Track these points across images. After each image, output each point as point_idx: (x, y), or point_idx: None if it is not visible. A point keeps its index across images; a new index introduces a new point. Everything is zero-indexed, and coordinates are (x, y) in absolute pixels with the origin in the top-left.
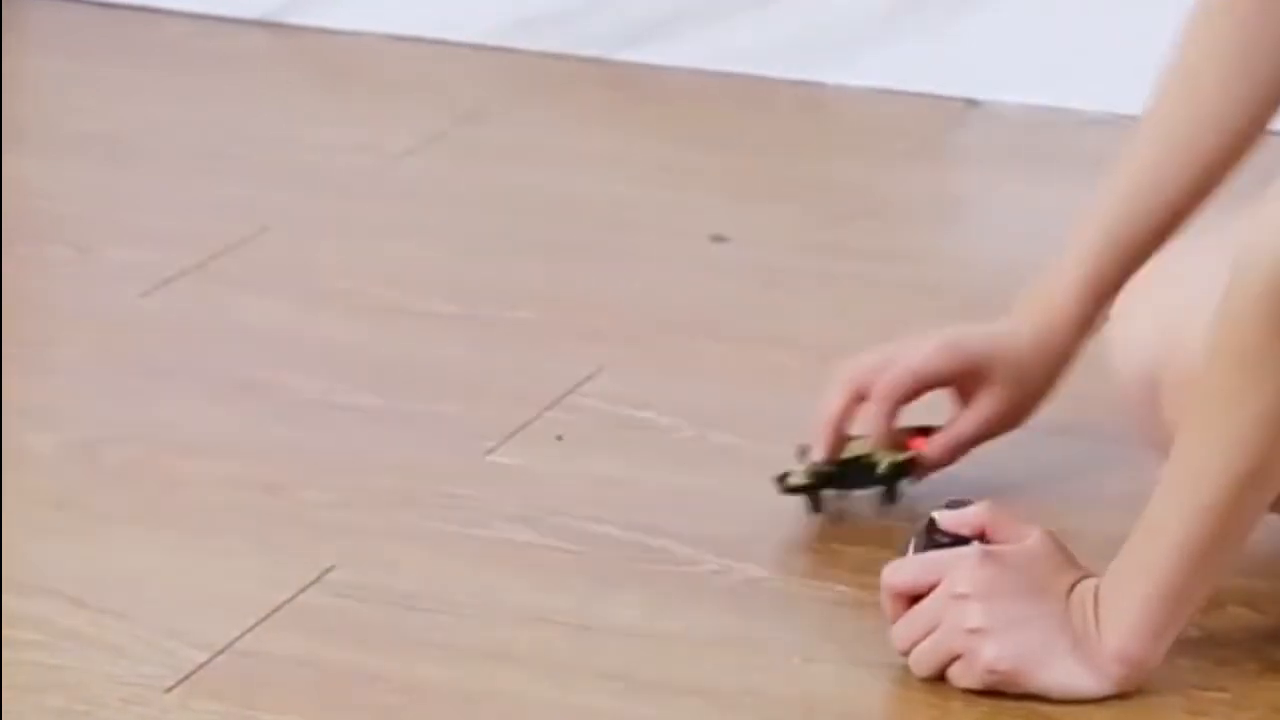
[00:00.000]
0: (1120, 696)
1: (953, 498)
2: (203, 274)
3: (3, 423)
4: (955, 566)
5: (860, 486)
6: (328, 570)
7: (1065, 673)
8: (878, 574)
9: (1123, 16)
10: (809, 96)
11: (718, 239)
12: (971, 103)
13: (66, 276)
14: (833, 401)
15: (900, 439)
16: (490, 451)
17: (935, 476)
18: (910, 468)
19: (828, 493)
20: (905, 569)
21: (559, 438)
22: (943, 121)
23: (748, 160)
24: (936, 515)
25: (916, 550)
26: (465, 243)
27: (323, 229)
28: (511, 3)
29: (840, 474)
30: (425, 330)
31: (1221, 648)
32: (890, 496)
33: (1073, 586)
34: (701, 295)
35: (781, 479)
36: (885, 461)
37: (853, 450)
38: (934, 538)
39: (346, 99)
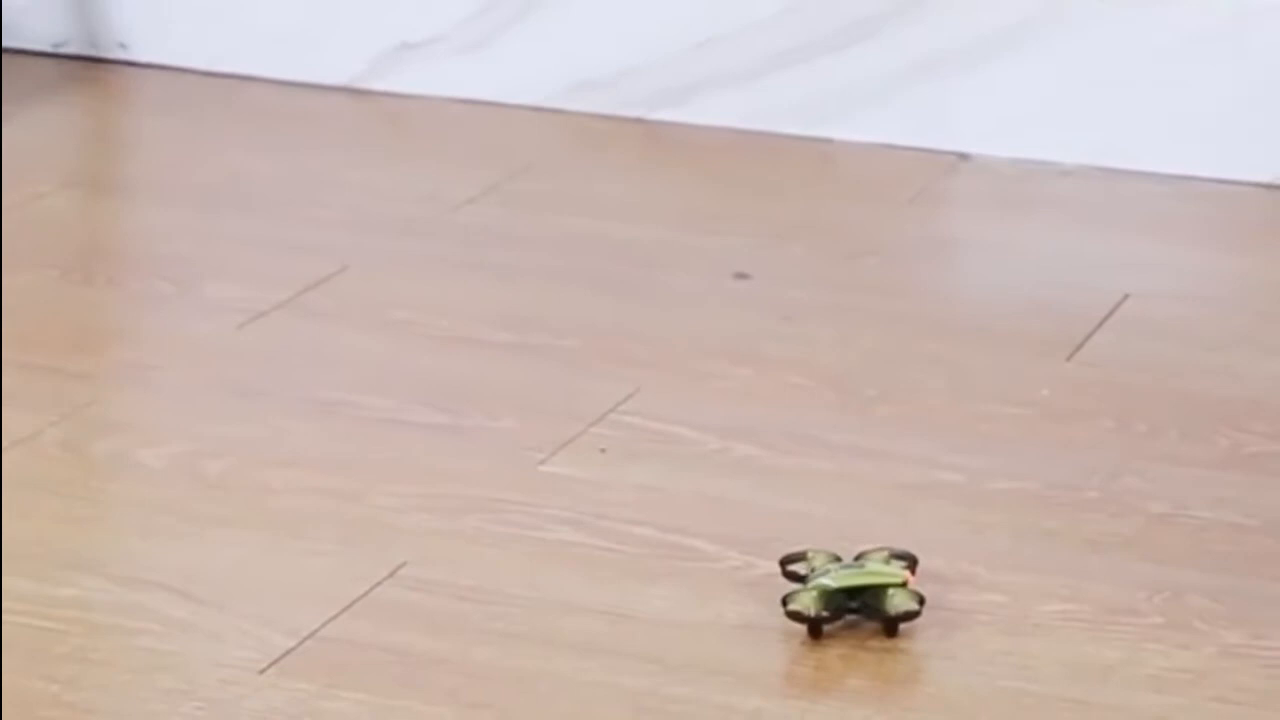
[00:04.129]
0: (1090, 678)
1: None
2: (291, 308)
3: (118, 440)
4: None
5: (861, 615)
6: (400, 567)
7: None
8: None
9: (1096, 80)
10: (820, 151)
11: (740, 276)
12: (963, 156)
13: (173, 310)
14: None
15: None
16: (542, 462)
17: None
18: (915, 614)
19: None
20: None
21: (602, 450)
22: (937, 173)
23: (767, 207)
24: None
25: None
26: (519, 279)
27: (395, 268)
28: (561, 70)
29: (849, 606)
30: (485, 356)
31: (1184, 633)
32: (891, 631)
33: None
34: (726, 325)
35: (784, 601)
36: (898, 605)
37: (856, 578)
38: None
39: (415, 154)
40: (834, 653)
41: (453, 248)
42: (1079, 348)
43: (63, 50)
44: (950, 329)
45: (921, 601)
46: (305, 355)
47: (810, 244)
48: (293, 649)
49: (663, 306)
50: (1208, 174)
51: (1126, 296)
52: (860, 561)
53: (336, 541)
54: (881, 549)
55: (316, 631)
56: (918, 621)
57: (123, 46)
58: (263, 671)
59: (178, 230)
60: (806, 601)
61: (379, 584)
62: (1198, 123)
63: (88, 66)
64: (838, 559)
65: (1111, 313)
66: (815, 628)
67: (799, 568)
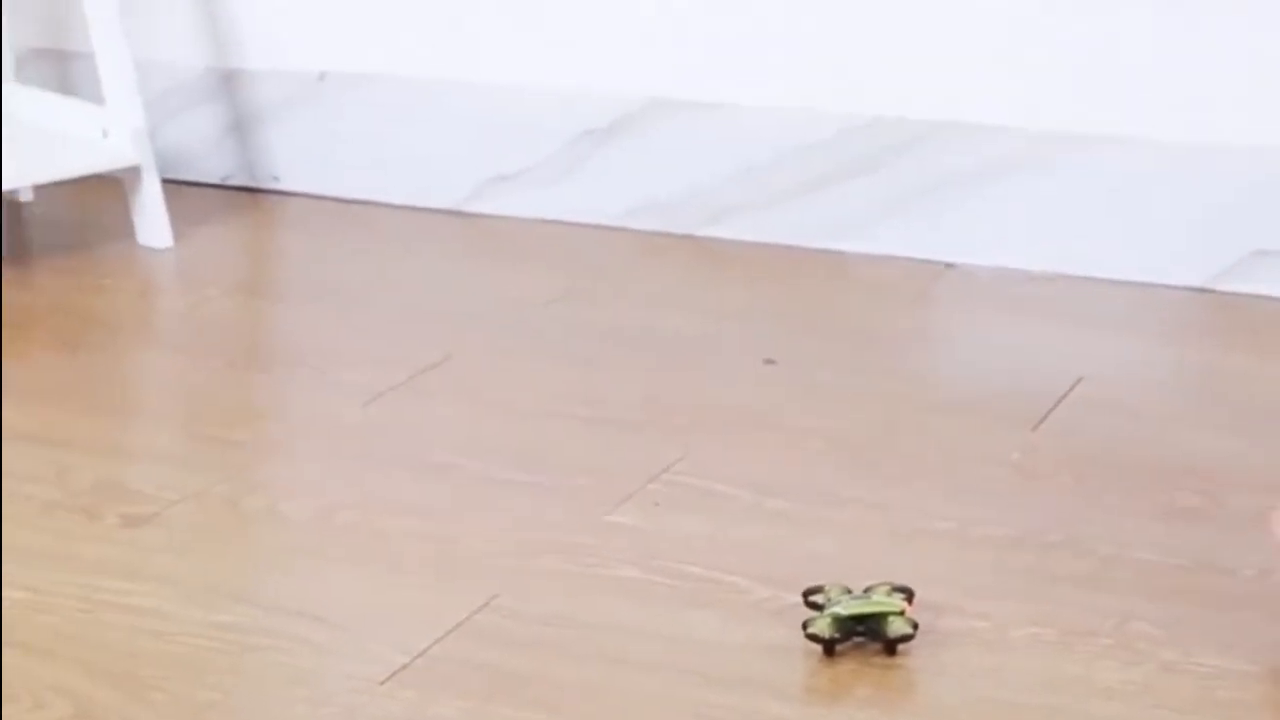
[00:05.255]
0: (1056, 688)
1: None
2: (406, 389)
3: (266, 495)
4: None
5: (867, 638)
6: (493, 598)
7: None
8: None
9: (1058, 203)
10: (834, 261)
11: (769, 361)
12: (949, 265)
13: (311, 391)
14: None
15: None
16: (608, 513)
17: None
18: (910, 637)
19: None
20: None
21: (657, 504)
22: (929, 278)
23: (791, 305)
24: None
25: None
26: (590, 365)
27: (490, 356)
28: (624, 196)
29: (857, 630)
30: (562, 427)
31: (1130, 652)
32: (891, 650)
33: None
34: (758, 401)
35: (805, 626)
36: (897, 630)
37: (863, 607)
38: None
39: (507, 263)
40: (845, 669)
41: (537, 339)
42: (1042, 420)
43: (228, 182)
44: (939, 404)
45: (916, 627)
46: (417, 427)
47: (826, 335)
48: (406, 665)
49: (706, 386)
50: (1148, 279)
51: (1081, 379)
52: (867, 594)
53: (441, 577)
54: (885, 584)
55: (426, 651)
56: (913, 641)
57: (275, 179)
58: (382, 683)
59: (315, 326)
60: (823, 626)
61: (476, 612)
62: (1141, 238)
63: (248, 195)
64: (849, 591)
65: (1068, 392)
66: (830, 647)
67: (818, 598)
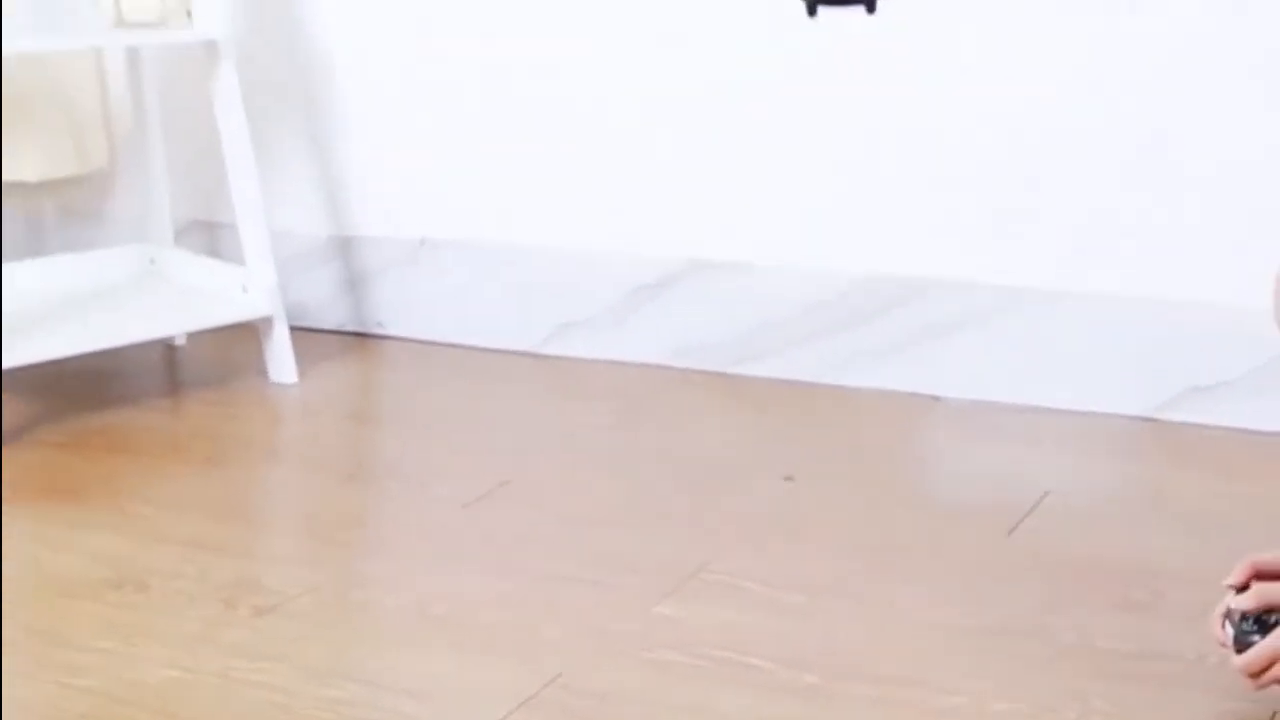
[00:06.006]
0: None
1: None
2: (487, 500)
3: (369, 590)
4: None
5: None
6: (558, 676)
7: None
8: (892, 682)
9: (1028, 345)
10: (840, 394)
11: (788, 478)
12: (937, 398)
13: (404, 501)
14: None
15: None
16: (654, 605)
17: None
18: None
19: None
20: (1257, 656)
21: (695, 598)
22: (919, 409)
23: (806, 431)
24: (1233, 604)
25: (1239, 639)
26: (639, 481)
27: (558, 472)
28: (669, 339)
29: None
30: (615, 532)
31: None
32: (870, 8)
33: None
34: (778, 512)
35: None
36: None
37: None
38: (1246, 624)
39: (572, 395)
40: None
41: (596, 459)
42: (1015, 527)
43: (343, 329)
44: (929, 513)
45: None
46: (496, 532)
47: (835, 456)
48: None
49: (735, 498)
50: (1102, 410)
51: (1048, 493)
52: None
53: (514, 658)
54: None
55: None
56: (904, 713)
57: (380, 325)
58: None
59: (413, 448)
60: None
61: (544, 687)
62: (1095, 376)
63: (357, 339)
64: None
65: (1037, 504)
66: (811, 8)
67: None
